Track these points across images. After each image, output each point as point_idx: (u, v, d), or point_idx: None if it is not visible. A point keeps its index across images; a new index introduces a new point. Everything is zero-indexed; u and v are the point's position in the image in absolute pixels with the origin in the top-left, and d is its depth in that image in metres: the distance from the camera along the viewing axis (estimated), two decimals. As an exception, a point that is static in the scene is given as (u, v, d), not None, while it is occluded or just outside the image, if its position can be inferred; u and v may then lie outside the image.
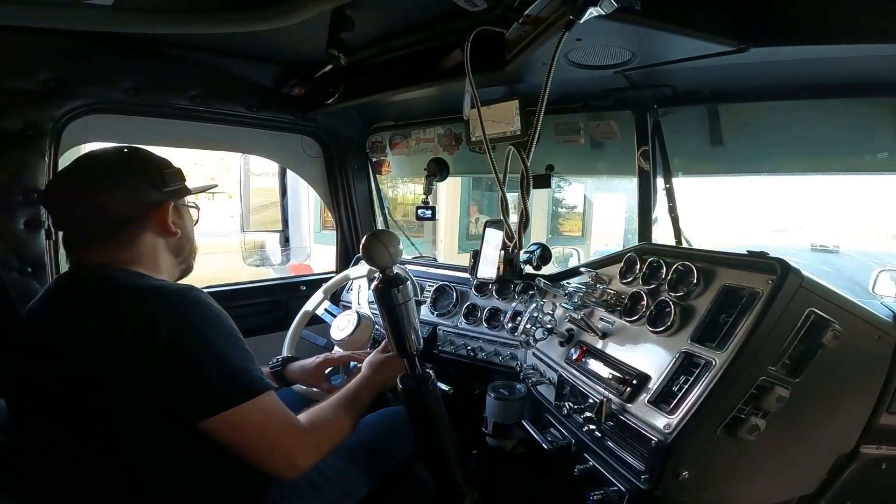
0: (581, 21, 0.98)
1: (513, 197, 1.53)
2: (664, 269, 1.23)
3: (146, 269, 1.01)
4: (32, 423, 0.94)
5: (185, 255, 1.11)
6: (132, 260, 1.00)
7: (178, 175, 1.06)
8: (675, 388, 1.00)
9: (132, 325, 0.86)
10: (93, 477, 0.91)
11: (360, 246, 1.00)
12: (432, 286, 1.91)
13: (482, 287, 1.80)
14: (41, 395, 0.90)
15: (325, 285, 1.86)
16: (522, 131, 1.69)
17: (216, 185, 1.48)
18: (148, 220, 1.01)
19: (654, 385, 1.05)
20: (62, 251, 1.40)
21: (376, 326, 1.87)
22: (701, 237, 1.66)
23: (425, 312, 1.88)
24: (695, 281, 1.13)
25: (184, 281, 1.10)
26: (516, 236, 1.52)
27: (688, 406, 0.95)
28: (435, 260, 2.33)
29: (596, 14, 0.96)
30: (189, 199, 1.11)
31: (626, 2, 0.97)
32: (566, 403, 1.24)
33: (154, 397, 0.86)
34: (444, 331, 1.81)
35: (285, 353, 1.65)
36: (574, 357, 1.29)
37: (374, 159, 2.39)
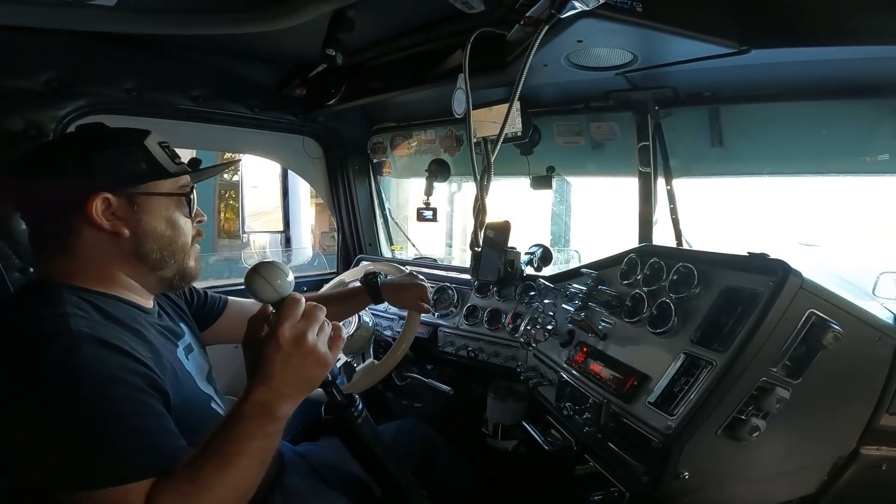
0: (563, 16, 0.97)
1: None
2: (665, 270, 1.24)
3: (95, 283, 0.85)
4: None
5: (156, 258, 0.90)
6: (74, 272, 0.84)
7: (124, 157, 0.85)
8: (675, 390, 1.00)
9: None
10: None
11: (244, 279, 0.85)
12: (433, 287, 1.92)
13: (483, 288, 1.80)
14: None
15: (322, 289, 1.86)
16: (523, 132, 1.70)
17: (234, 163, 1.11)
18: (79, 217, 0.83)
19: (654, 386, 1.05)
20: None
21: (377, 329, 1.88)
22: (694, 235, 1.67)
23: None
24: (695, 282, 1.14)
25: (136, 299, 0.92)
26: (474, 232, 1.47)
27: (688, 407, 0.95)
28: (435, 261, 2.33)
29: (580, 8, 0.95)
30: (167, 185, 0.91)
31: None
32: (567, 404, 1.24)
33: None
34: (444, 331, 1.81)
35: None
36: (575, 358, 1.30)
37: (375, 160, 2.40)
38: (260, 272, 0.82)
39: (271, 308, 0.82)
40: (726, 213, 2.01)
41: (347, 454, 1.08)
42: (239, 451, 0.74)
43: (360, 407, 0.97)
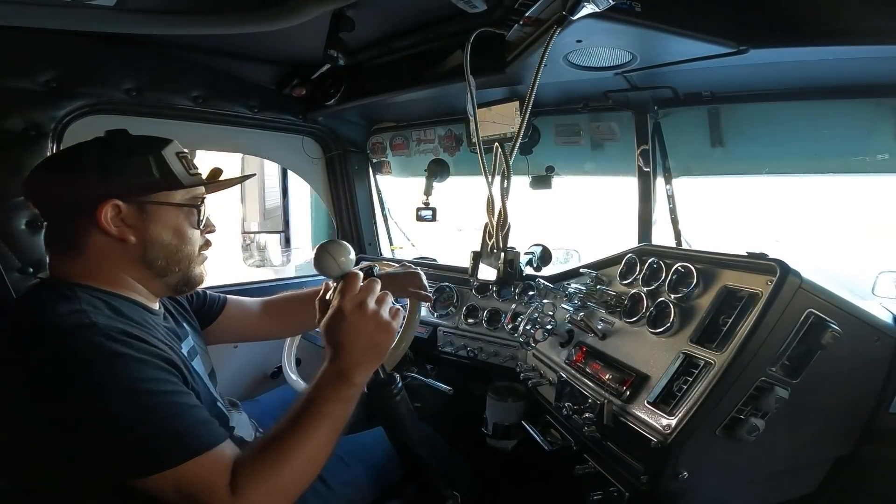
0: (574, 17, 0.97)
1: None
2: (664, 270, 1.24)
3: (104, 283, 0.87)
4: None
5: (160, 265, 0.92)
6: (84, 272, 0.87)
7: (139, 165, 0.87)
8: (674, 389, 1.01)
9: (23, 369, 0.75)
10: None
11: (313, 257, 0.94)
12: (433, 287, 1.92)
13: (483, 288, 1.80)
14: None
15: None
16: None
17: (250, 176, 1.25)
18: (90, 220, 0.85)
19: (653, 386, 1.05)
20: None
21: None
22: (693, 235, 1.67)
23: (425, 313, 1.88)
24: (694, 282, 1.14)
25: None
26: (495, 236, 1.48)
27: (687, 407, 0.95)
28: (435, 261, 2.33)
29: (590, 10, 0.96)
30: (179, 195, 0.93)
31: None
32: (566, 404, 1.24)
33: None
34: (444, 331, 1.81)
35: (285, 354, 1.65)
36: (574, 358, 1.30)
37: (374, 160, 2.40)
38: (328, 250, 0.91)
39: (332, 283, 0.90)
40: (725, 212, 2.01)
41: (346, 455, 1.08)
42: (317, 412, 0.81)
43: (400, 386, 1.02)
